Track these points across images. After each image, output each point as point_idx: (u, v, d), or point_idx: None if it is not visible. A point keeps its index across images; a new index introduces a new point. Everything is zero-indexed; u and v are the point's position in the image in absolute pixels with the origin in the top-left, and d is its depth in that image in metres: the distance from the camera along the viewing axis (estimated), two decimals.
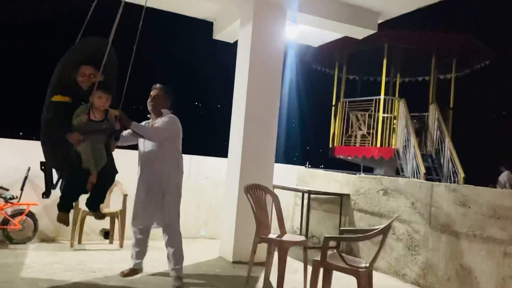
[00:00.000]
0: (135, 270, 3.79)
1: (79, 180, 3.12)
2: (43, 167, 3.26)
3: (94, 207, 3.30)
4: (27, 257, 4.11)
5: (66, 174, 3.20)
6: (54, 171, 3.31)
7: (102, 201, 3.36)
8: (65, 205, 3.19)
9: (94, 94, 3.08)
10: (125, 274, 3.74)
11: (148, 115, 3.89)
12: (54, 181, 3.28)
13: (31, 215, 4.65)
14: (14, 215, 4.54)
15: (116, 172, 3.32)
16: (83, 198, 3.33)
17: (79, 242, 4.75)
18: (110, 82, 3.28)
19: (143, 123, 3.83)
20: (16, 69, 20.79)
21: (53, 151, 3.19)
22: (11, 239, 4.52)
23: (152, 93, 3.82)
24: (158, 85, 3.85)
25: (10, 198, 4.53)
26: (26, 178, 4.67)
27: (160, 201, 3.64)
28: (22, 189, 4.62)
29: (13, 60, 20.59)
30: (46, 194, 3.25)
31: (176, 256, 3.65)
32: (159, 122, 3.72)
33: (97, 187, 3.17)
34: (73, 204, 3.39)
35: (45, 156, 3.24)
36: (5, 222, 4.49)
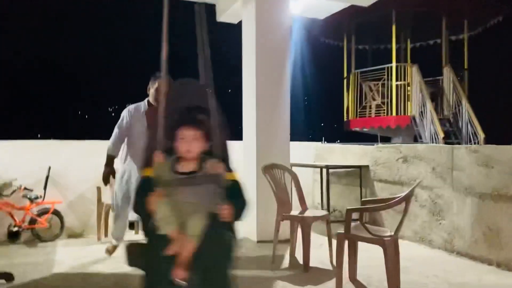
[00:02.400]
0: (117, 246, 4.06)
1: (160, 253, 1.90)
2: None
3: None
4: (57, 254, 4.21)
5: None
6: None
7: None
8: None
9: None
10: (109, 251, 4.02)
11: (143, 102, 3.96)
12: None
13: (56, 213, 4.75)
14: (40, 214, 4.65)
15: (234, 239, 2.20)
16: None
17: (106, 235, 4.84)
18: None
19: (132, 107, 3.96)
20: (32, 72, 21.04)
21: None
22: (40, 238, 4.64)
23: (161, 87, 3.72)
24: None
25: (35, 198, 4.62)
26: (47, 177, 4.76)
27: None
28: (45, 188, 4.72)
29: (29, 63, 20.83)
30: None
31: None
32: None
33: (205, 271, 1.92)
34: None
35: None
36: (33, 221, 4.60)
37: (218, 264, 1.94)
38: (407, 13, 9.46)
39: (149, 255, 1.91)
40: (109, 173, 3.89)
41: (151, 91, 3.92)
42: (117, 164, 4.03)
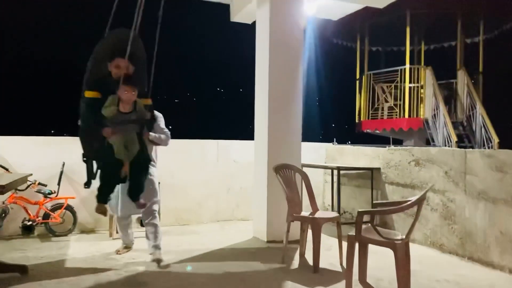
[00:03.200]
0: (128, 247, 4.17)
1: (113, 171, 3.24)
2: (84, 158, 3.39)
3: (134, 197, 3.40)
4: (69, 248, 4.27)
5: (101, 165, 3.33)
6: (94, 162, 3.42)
7: (142, 190, 3.42)
8: (103, 196, 3.32)
9: (120, 88, 3.14)
10: (119, 253, 4.11)
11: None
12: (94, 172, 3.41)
13: (69, 208, 4.81)
14: (54, 209, 4.72)
15: (149, 160, 3.42)
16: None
17: (117, 231, 4.89)
18: (140, 74, 3.35)
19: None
20: (44, 69, 21.31)
21: (90, 143, 3.32)
22: (53, 232, 4.71)
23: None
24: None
25: (49, 193, 4.70)
26: (61, 173, 4.83)
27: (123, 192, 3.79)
28: (59, 184, 4.79)
29: (41, 60, 21.11)
30: (87, 184, 3.42)
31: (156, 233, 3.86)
32: (157, 124, 3.82)
33: (133, 177, 3.29)
34: (110, 195, 3.48)
35: (83, 148, 3.36)
36: (46, 216, 4.67)
37: (140, 172, 3.37)
38: (421, 15, 9.38)
39: (108, 165, 3.27)
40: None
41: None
42: None
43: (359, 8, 5.94)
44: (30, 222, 4.58)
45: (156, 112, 3.94)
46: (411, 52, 10.17)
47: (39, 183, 4.68)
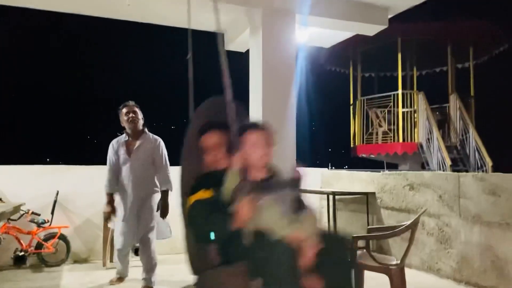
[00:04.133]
0: (122, 278, 4.05)
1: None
2: None
3: None
4: (62, 279, 4.21)
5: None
6: None
7: None
8: None
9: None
10: (113, 282, 4.00)
11: (123, 135, 3.96)
12: None
13: (63, 237, 4.76)
14: (47, 238, 4.66)
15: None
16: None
17: (111, 261, 4.83)
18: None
19: (115, 141, 3.96)
20: (43, 97, 21.47)
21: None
22: (45, 262, 4.64)
23: (131, 112, 3.84)
24: (132, 102, 3.93)
25: (42, 223, 4.65)
26: (55, 202, 4.80)
27: (137, 219, 3.80)
28: (52, 213, 4.75)
29: (40, 88, 21.29)
30: None
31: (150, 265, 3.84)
32: (157, 149, 3.88)
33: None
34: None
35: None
36: (39, 246, 4.61)
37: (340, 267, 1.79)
38: (412, 41, 9.59)
39: (271, 267, 1.60)
40: (109, 212, 3.88)
41: (122, 120, 3.90)
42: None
43: (350, 36, 6.07)
44: (23, 253, 4.52)
45: (157, 137, 3.98)
46: (404, 77, 10.33)
47: (33, 212, 4.64)
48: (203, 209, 1.89)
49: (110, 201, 3.87)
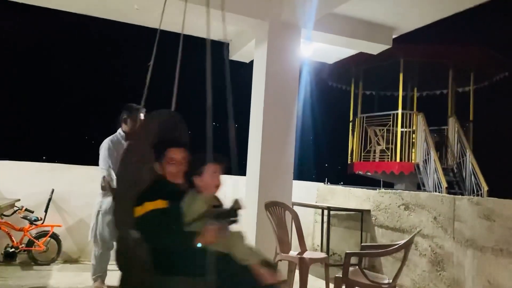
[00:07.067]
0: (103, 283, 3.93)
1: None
2: None
3: None
4: (51, 278, 4.18)
5: None
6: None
7: None
8: None
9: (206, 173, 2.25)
10: None
11: (116, 133, 4.01)
12: None
13: (55, 236, 4.74)
14: (38, 236, 4.64)
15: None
16: None
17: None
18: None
19: (109, 140, 3.97)
20: (38, 94, 21.46)
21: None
22: (35, 260, 4.61)
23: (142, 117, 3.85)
24: (142, 107, 3.95)
25: (35, 220, 4.63)
26: (50, 200, 4.79)
27: None
28: (46, 211, 4.73)
29: (39, 86, 21.30)
30: None
31: None
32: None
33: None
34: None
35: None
36: (30, 243, 4.59)
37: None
38: (414, 63, 9.67)
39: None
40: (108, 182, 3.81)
41: (128, 121, 3.96)
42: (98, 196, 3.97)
43: (354, 53, 6.13)
44: (13, 249, 4.49)
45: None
46: (404, 97, 10.41)
47: (26, 209, 4.62)
48: (160, 218, 2.11)
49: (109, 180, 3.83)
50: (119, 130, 4.02)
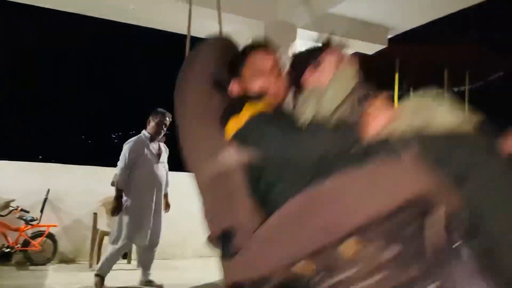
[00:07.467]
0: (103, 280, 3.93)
1: None
2: None
3: None
4: (47, 278, 4.17)
5: None
6: None
7: None
8: None
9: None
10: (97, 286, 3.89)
11: (140, 135, 4.16)
12: None
13: (51, 236, 4.73)
14: (34, 236, 4.63)
15: None
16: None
17: (97, 262, 4.80)
18: None
19: (133, 140, 4.11)
20: (38, 94, 21.40)
21: None
22: (31, 261, 4.60)
23: (167, 121, 4.13)
24: (167, 112, 4.13)
25: (31, 220, 4.62)
26: (45, 200, 4.78)
27: (150, 221, 4.00)
28: (42, 211, 4.72)
29: (35, 84, 21.23)
30: None
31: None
32: (166, 154, 4.28)
33: None
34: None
35: None
36: (26, 243, 4.58)
37: None
38: (410, 62, 9.70)
39: None
40: (119, 206, 3.93)
41: (152, 124, 4.14)
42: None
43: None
44: (8, 249, 4.48)
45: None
46: (400, 97, 10.44)
47: (22, 209, 4.61)
48: (273, 121, 1.36)
49: (121, 196, 3.94)
50: (143, 131, 4.18)
